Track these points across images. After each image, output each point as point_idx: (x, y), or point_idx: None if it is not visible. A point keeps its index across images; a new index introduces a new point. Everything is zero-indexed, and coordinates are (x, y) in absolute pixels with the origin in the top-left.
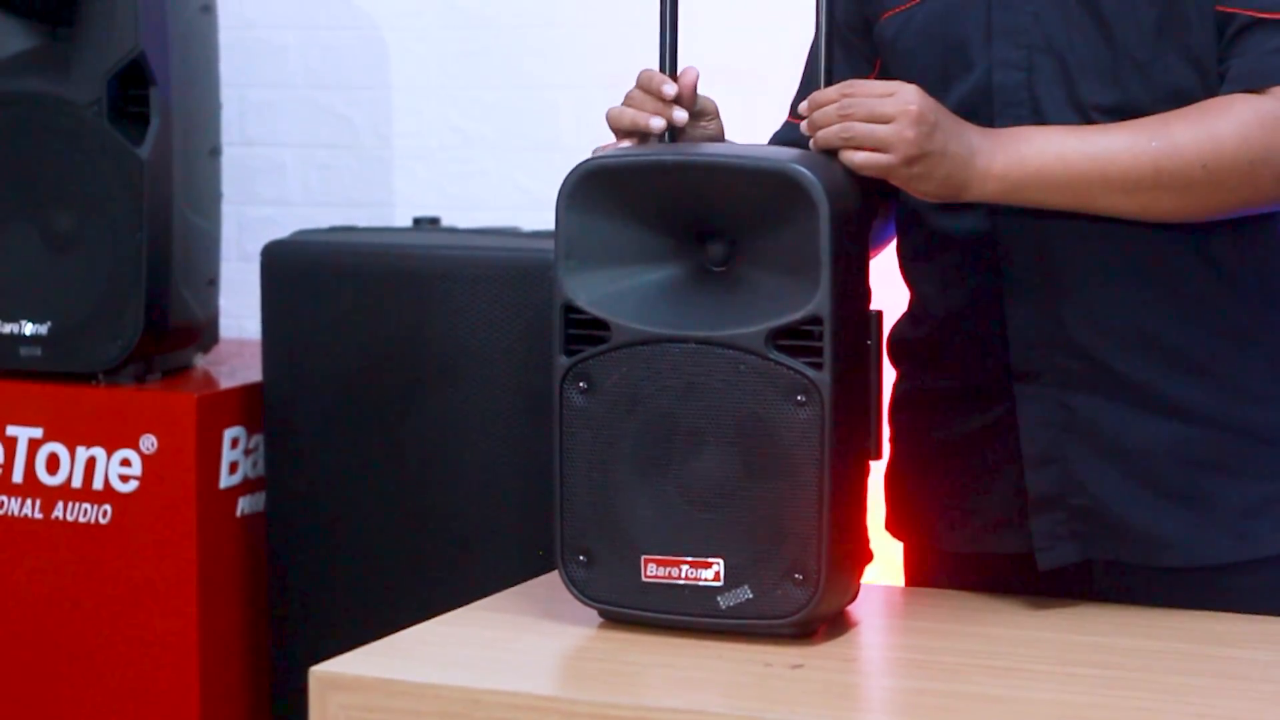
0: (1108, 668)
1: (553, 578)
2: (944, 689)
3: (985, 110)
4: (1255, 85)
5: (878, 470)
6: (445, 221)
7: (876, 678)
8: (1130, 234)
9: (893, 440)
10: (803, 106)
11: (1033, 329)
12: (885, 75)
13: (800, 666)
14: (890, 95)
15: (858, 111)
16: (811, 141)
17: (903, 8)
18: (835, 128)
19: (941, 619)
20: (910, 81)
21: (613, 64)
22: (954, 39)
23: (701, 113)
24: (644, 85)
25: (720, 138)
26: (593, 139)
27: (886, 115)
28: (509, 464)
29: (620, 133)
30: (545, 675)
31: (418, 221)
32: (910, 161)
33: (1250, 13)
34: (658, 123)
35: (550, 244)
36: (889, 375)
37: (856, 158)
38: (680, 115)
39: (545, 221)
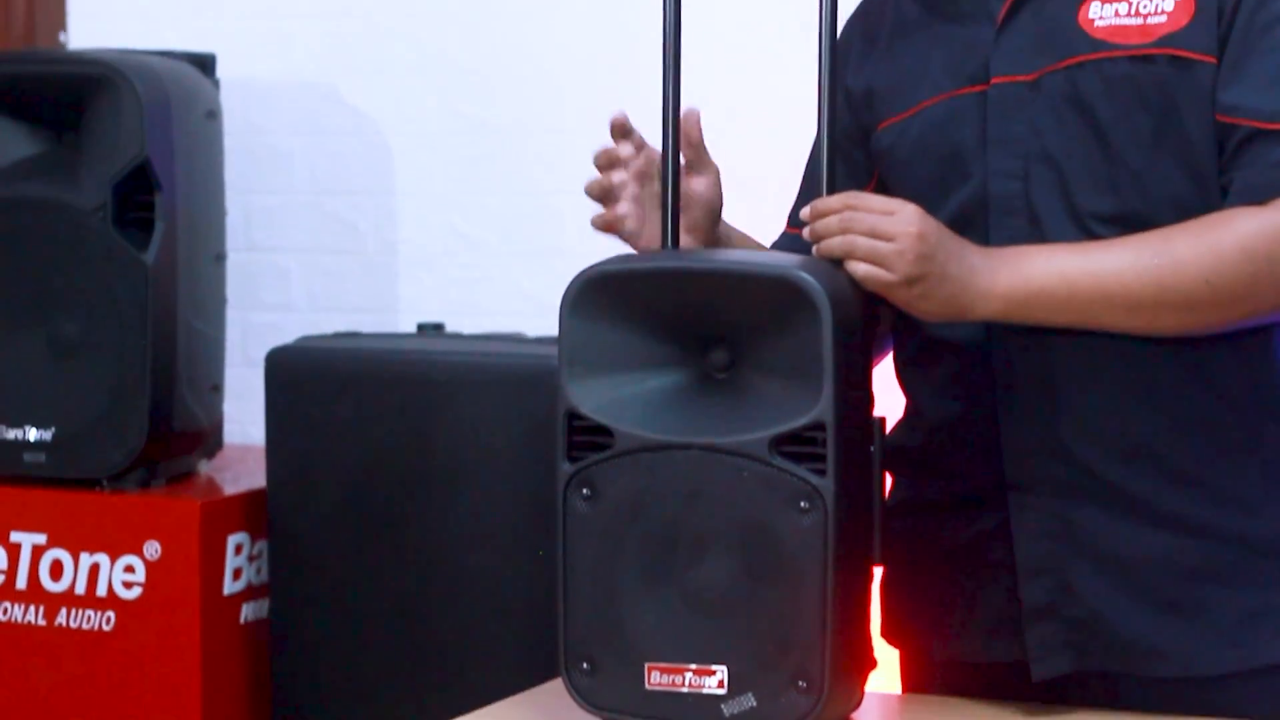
0: None
1: (556, 685)
2: None
3: (982, 219)
4: (1259, 199)
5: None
6: (449, 327)
7: None
8: (1125, 346)
9: (889, 547)
10: (804, 212)
11: (1027, 438)
12: (883, 187)
13: None
14: (892, 214)
15: (859, 225)
16: (815, 249)
17: (899, 118)
18: (838, 239)
19: None
20: (908, 191)
21: None
22: (950, 149)
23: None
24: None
25: (717, 185)
26: (597, 245)
27: (888, 234)
28: (512, 570)
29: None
30: None
31: (422, 327)
32: (911, 282)
33: (1252, 123)
34: (618, 177)
35: (554, 350)
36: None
37: (859, 269)
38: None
39: (549, 327)
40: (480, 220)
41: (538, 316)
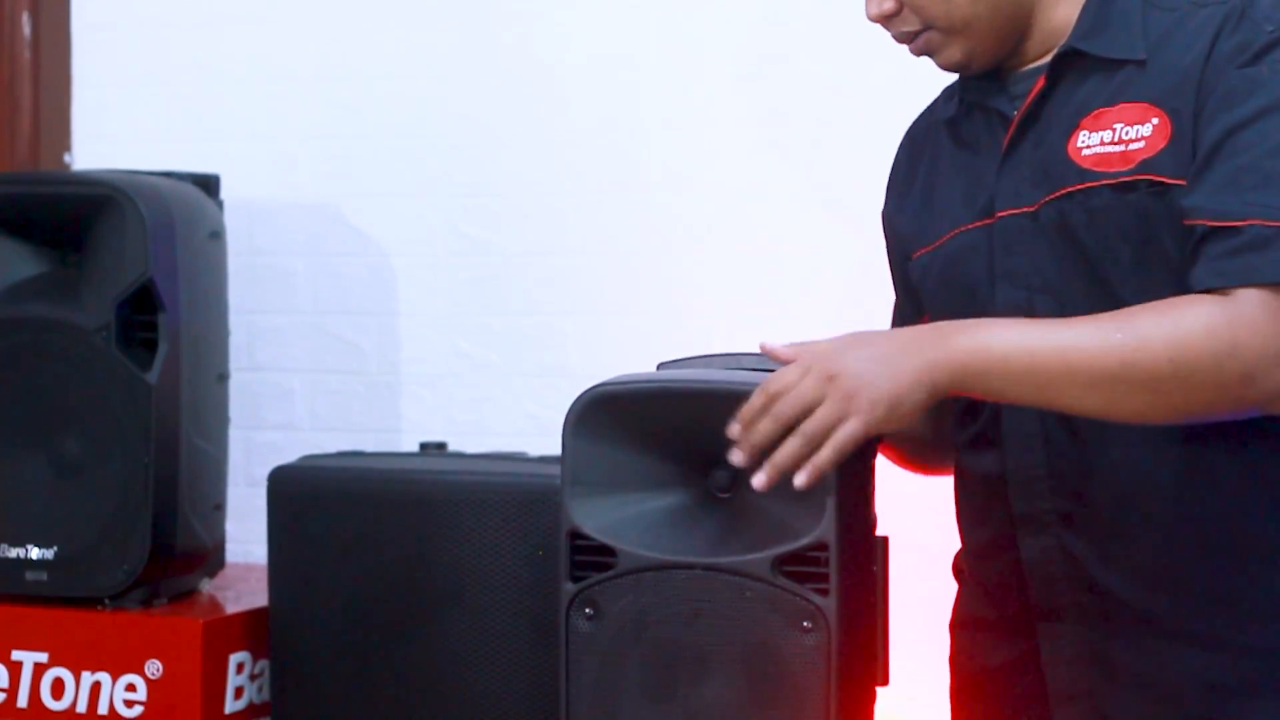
0: None
1: None
2: None
3: None
4: (1216, 286)
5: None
6: (452, 446)
7: None
8: (1144, 473)
9: (950, 659)
10: (734, 429)
11: (1050, 565)
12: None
13: None
14: (804, 371)
15: (787, 414)
16: (767, 465)
17: (927, 249)
18: (790, 448)
19: None
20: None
21: (619, 289)
22: (965, 282)
23: None
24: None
25: None
26: (599, 365)
27: (815, 398)
28: (514, 690)
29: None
30: None
31: (425, 446)
32: (868, 407)
33: (1207, 222)
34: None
35: (557, 469)
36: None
37: (827, 452)
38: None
39: (552, 447)
40: (483, 340)
41: (540, 436)
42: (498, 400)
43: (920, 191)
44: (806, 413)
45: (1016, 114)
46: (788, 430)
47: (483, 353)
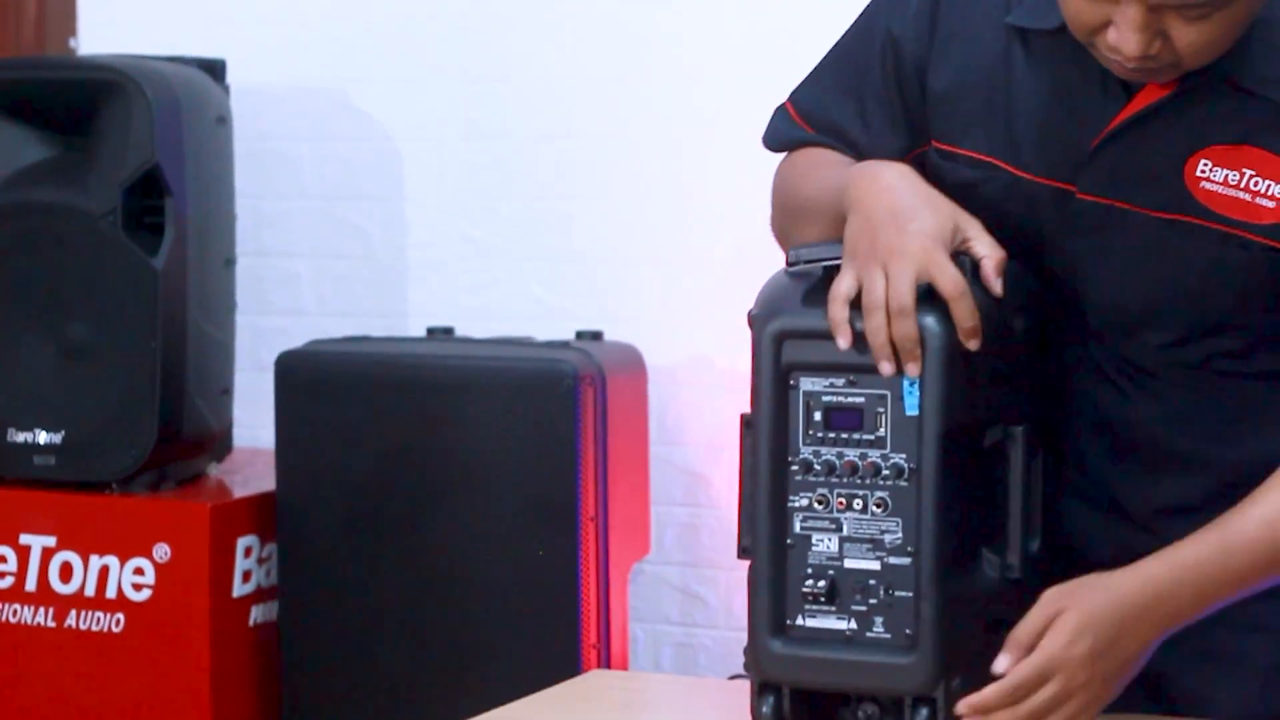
0: None
1: (566, 687)
2: None
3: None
4: None
5: None
6: (459, 331)
7: None
8: (1158, 446)
9: None
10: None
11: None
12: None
13: None
14: (1050, 675)
15: (1027, 712)
16: None
17: (973, 153)
18: None
19: None
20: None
21: (627, 175)
22: (1029, 231)
23: None
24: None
25: None
26: (605, 250)
27: (1060, 699)
28: (521, 572)
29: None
30: None
31: (431, 331)
32: (1110, 692)
33: None
34: (844, 344)
35: (564, 354)
36: None
37: None
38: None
39: (559, 331)
40: (489, 225)
41: (547, 320)
42: (504, 285)
43: (963, 75)
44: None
45: (1138, 97)
46: None
47: (489, 237)
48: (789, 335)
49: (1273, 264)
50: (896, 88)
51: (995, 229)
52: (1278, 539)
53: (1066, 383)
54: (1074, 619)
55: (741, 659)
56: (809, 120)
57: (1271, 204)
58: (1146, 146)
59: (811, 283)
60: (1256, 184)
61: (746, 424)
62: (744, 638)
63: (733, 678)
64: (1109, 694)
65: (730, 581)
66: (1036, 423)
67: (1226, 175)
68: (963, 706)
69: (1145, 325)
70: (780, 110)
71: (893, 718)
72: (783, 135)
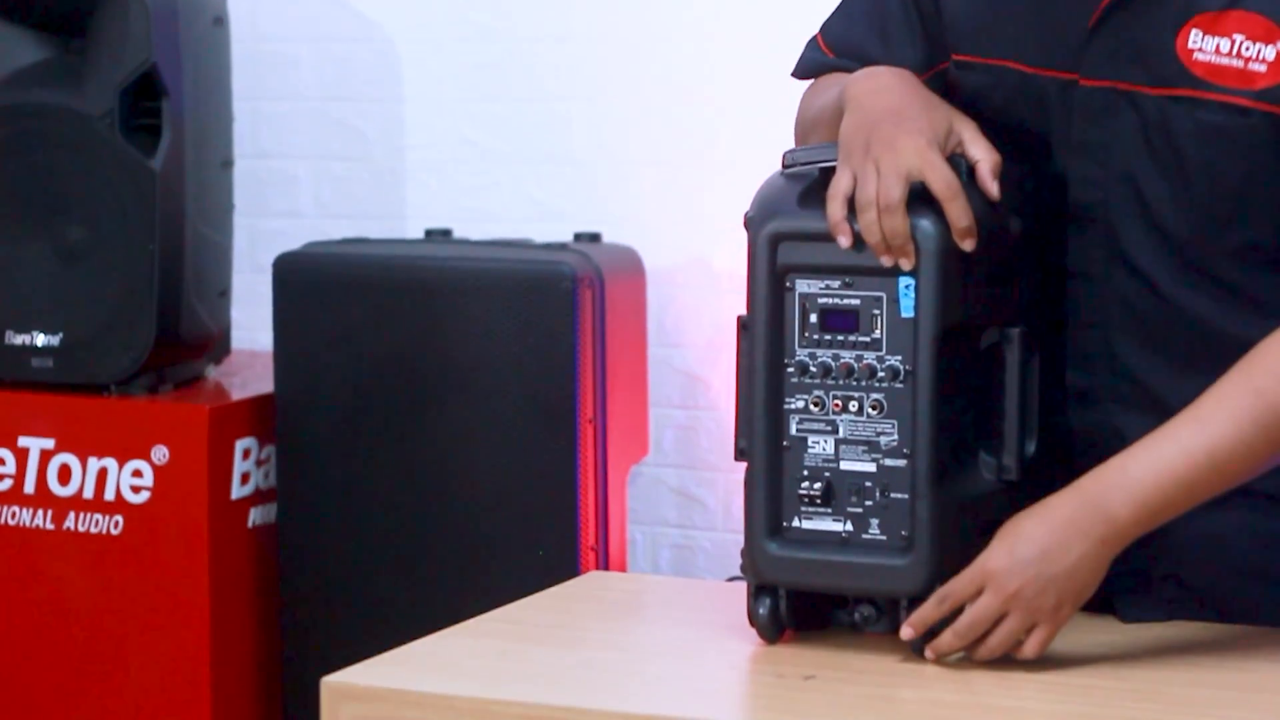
0: (1122, 680)
1: (564, 588)
2: (952, 699)
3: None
4: None
5: None
6: (457, 233)
7: (886, 688)
8: (1198, 355)
9: None
10: (906, 631)
11: (1096, 440)
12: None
13: (812, 678)
14: (981, 586)
15: (974, 632)
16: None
17: (983, 60)
18: (985, 651)
19: None
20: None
21: (625, 77)
22: (1033, 127)
23: None
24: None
25: None
26: (604, 151)
27: (993, 614)
28: (520, 475)
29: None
30: (557, 685)
31: (429, 233)
32: (1055, 610)
33: None
34: (845, 243)
35: (563, 255)
36: None
37: (1029, 653)
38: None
39: (557, 233)
40: (488, 127)
41: (545, 222)
42: (503, 186)
43: None
44: (989, 629)
45: None
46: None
47: (488, 139)
48: (784, 237)
49: (1275, 130)
50: (914, 4)
51: (1007, 138)
52: (1210, 441)
53: (1091, 284)
54: (1002, 532)
55: (739, 561)
56: (833, 47)
57: (1264, 68)
58: (1139, 23)
59: (807, 184)
60: (1247, 49)
61: (743, 326)
62: (742, 540)
63: (730, 579)
64: (1055, 614)
65: (728, 484)
66: (1035, 326)
67: (1217, 44)
68: (905, 628)
69: (1163, 211)
70: (810, 42)
71: (889, 619)
72: (807, 63)
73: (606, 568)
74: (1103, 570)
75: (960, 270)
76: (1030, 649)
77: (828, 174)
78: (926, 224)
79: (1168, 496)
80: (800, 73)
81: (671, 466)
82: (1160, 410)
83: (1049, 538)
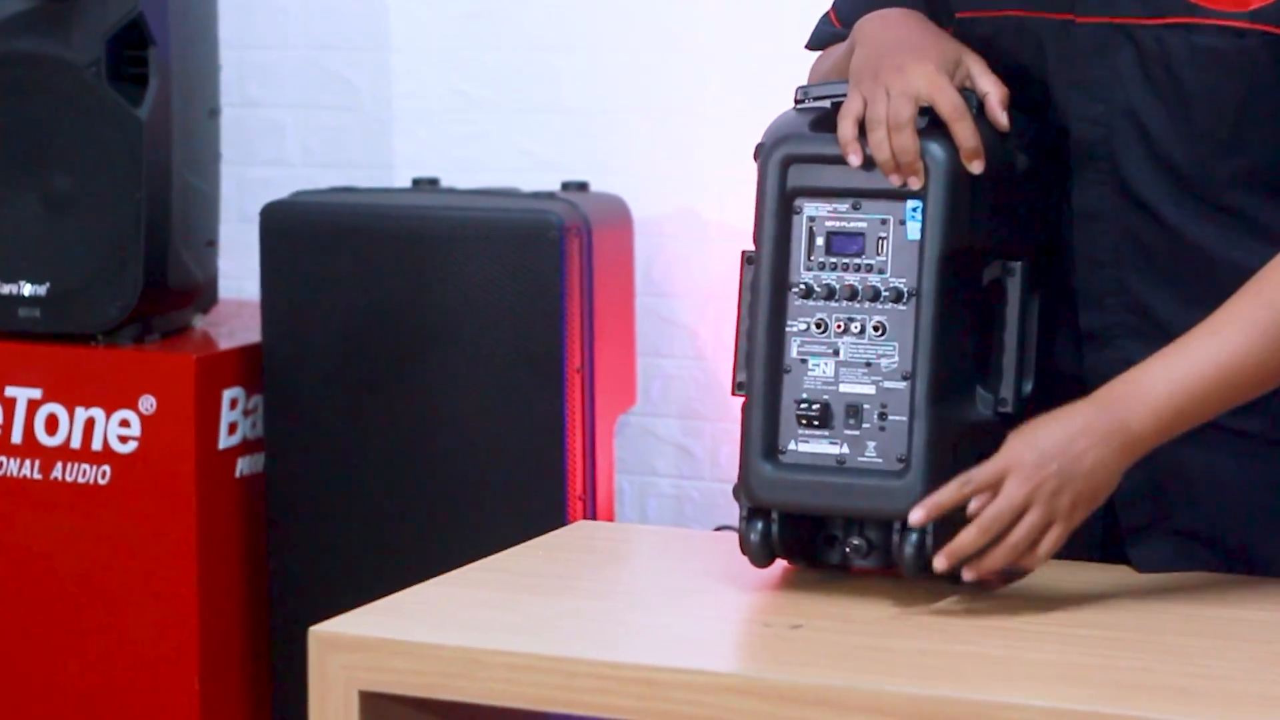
0: (1113, 629)
1: (551, 538)
2: (940, 649)
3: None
4: None
5: None
6: (445, 182)
7: (874, 637)
8: (1208, 287)
9: None
10: (917, 515)
11: (1111, 378)
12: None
13: (800, 627)
14: (1003, 476)
15: (998, 524)
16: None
17: (980, 13)
18: (999, 555)
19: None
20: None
21: (613, 26)
22: (1029, 73)
23: None
24: (894, 129)
25: None
26: (594, 101)
27: (1018, 505)
28: (507, 424)
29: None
30: (546, 635)
31: (417, 182)
32: (1070, 510)
33: None
34: (855, 161)
35: (550, 205)
36: None
37: (1040, 555)
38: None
39: (545, 183)
40: (477, 76)
41: (534, 172)
42: (491, 136)
43: None
44: (1012, 522)
45: None
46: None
47: (476, 88)
48: (795, 160)
49: (1271, 50)
50: None
51: (1011, 86)
52: (1222, 353)
53: (1098, 222)
54: (1019, 432)
55: (727, 510)
56: (842, 19)
57: None
58: None
59: (819, 114)
60: None
61: (747, 260)
62: (729, 490)
63: (718, 529)
64: (1070, 514)
65: (716, 433)
66: (1038, 265)
67: None
68: (939, 558)
69: (1165, 142)
70: (823, 17)
71: (879, 554)
72: (818, 35)
73: (594, 517)
74: (1116, 479)
75: (968, 194)
76: (1045, 549)
77: (839, 107)
78: (935, 147)
79: (1180, 408)
80: (811, 46)
81: (659, 416)
82: (1172, 339)
83: (1069, 439)
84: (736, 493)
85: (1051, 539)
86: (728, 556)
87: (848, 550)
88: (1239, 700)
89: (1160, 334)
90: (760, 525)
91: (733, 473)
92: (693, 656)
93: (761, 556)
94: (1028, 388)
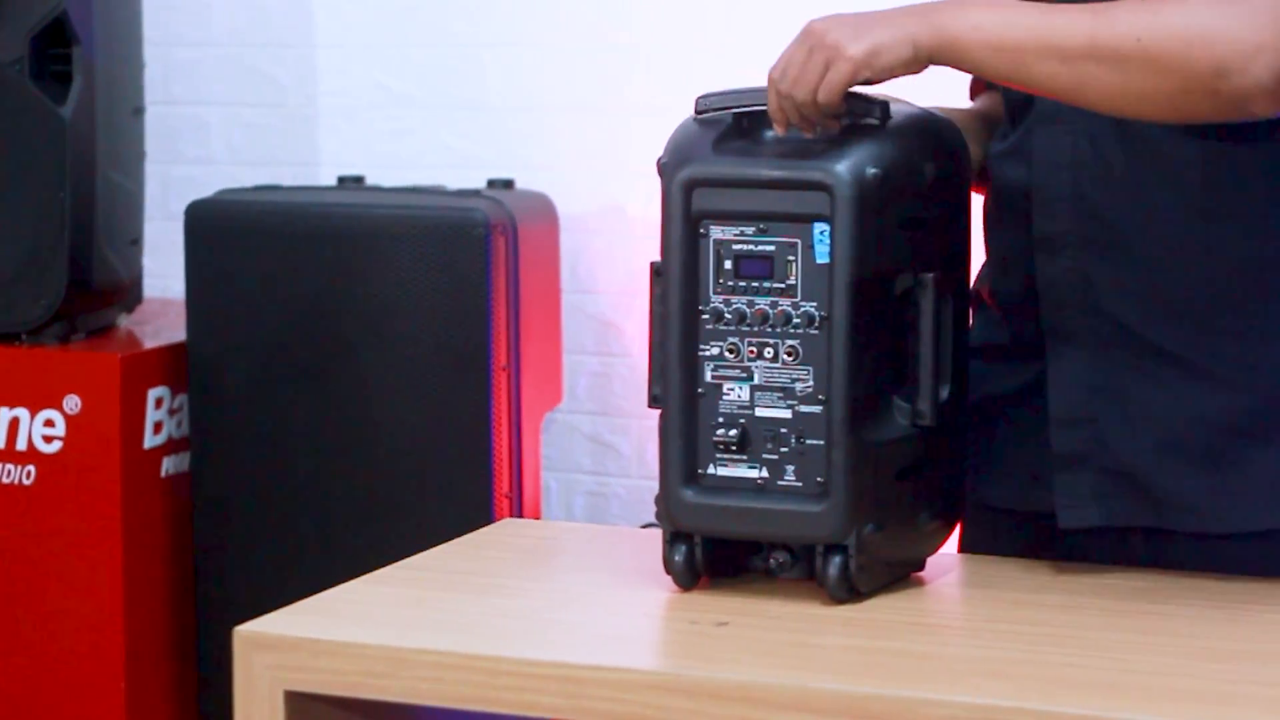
0: (1039, 624)
1: (477, 536)
2: (865, 645)
3: None
4: None
5: None
6: (370, 180)
7: (799, 634)
8: (1164, 197)
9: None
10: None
11: (1062, 289)
12: None
13: (725, 624)
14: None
15: (777, 76)
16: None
17: None
18: (790, 104)
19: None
20: None
21: (539, 23)
22: None
23: None
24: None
25: None
26: (519, 97)
27: (792, 52)
28: (433, 422)
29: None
30: (471, 634)
31: (343, 180)
32: (851, 48)
33: None
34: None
35: (476, 202)
36: None
37: (830, 87)
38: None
39: (471, 180)
40: (402, 73)
41: (459, 169)
42: (416, 133)
43: None
44: (789, 75)
45: None
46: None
47: (401, 85)
48: (699, 184)
49: None
50: None
51: None
52: (1048, 23)
53: (1054, 126)
54: None
55: (653, 508)
56: None
57: None
58: None
59: (721, 130)
60: None
61: (656, 272)
62: (656, 486)
63: (645, 526)
64: (847, 47)
65: (642, 430)
66: (951, 273)
67: None
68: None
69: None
70: None
71: (803, 565)
72: None
73: (521, 514)
74: (906, 54)
75: (874, 218)
76: (832, 77)
77: (741, 119)
78: (842, 169)
79: (983, 30)
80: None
81: (585, 413)
82: (1126, 252)
83: (866, 15)
84: (659, 516)
85: (836, 72)
86: (654, 554)
87: (771, 564)
88: (1164, 695)
89: (1113, 244)
90: (684, 549)
91: (657, 469)
92: (618, 654)
93: (686, 579)
94: (945, 394)
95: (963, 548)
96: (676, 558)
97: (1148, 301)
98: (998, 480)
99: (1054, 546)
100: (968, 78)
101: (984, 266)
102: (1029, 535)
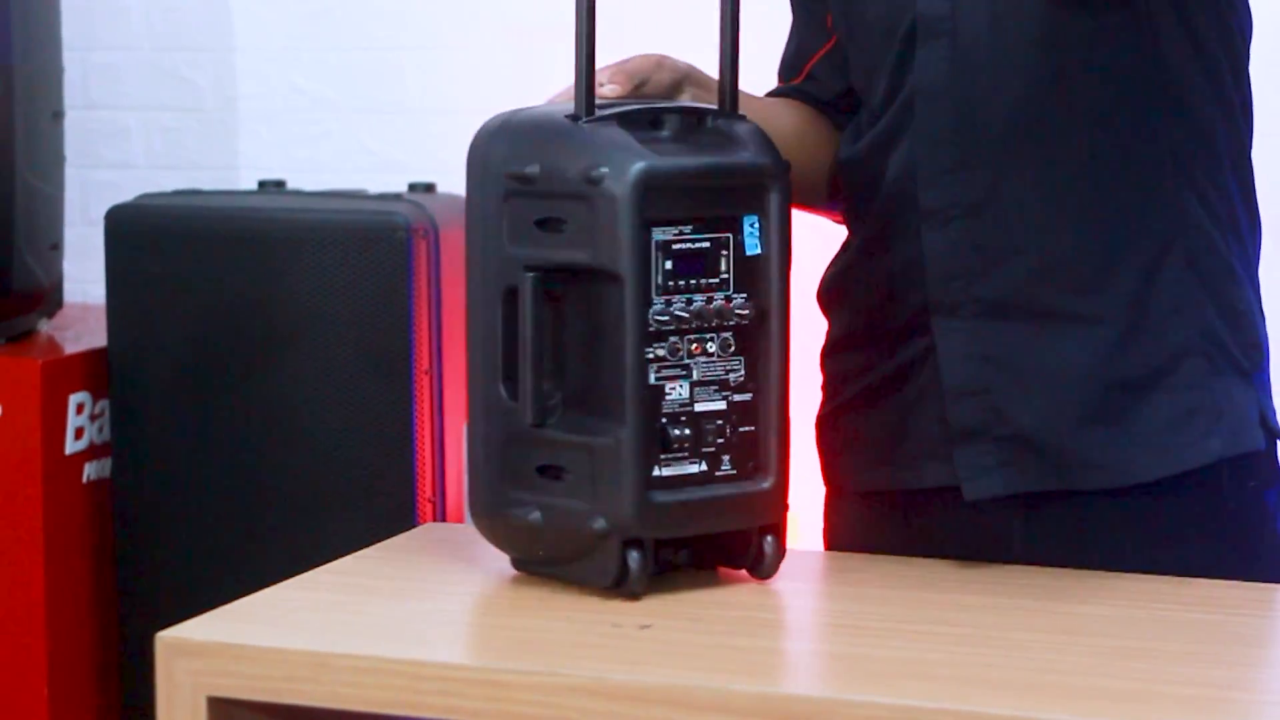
0: (959, 625)
1: (400, 540)
2: (787, 647)
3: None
4: None
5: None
6: (291, 184)
7: (722, 637)
8: (1046, 165)
9: (823, 388)
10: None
11: (949, 261)
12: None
13: (648, 627)
14: None
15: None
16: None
17: None
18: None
19: (806, 578)
20: (860, 42)
21: (457, 25)
22: None
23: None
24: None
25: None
26: (438, 99)
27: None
28: (356, 427)
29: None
30: (393, 638)
31: (263, 184)
32: None
33: None
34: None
35: (397, 206)
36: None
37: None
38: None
39: (391, 184)
40: (321, 76)
41: (379, 173)
42: (336, 137)
43: None
44: None
45: None
46: None
47: (321, 88)
48: (651, 186)
49: None
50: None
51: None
52: None
53: (940, 100)
54: None
55: None
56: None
57: None
58: None
59: (635, 127)
60: None
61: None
62: None
63: None
64: None
65: None
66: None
67: None
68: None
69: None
70: None
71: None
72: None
73: (444, 519)
74: None
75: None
76: None
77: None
78: (768, 163)
79: None
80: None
81: None
82: (1015, 214)
83: None
84: (605, 529)
85: None
86: None
87: (678, 558)
88: (1082, 695)
89: (1000, 212)
90: (637, 556)
91: None
92: (540, 658)
93: (643, 585)
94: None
95: (827, 536)
96: (632, 565)
97: (1035, 263)
98: (889, 462)
99: (943, 523)
100: None
101: (831, 267)
102: (893, 519)
